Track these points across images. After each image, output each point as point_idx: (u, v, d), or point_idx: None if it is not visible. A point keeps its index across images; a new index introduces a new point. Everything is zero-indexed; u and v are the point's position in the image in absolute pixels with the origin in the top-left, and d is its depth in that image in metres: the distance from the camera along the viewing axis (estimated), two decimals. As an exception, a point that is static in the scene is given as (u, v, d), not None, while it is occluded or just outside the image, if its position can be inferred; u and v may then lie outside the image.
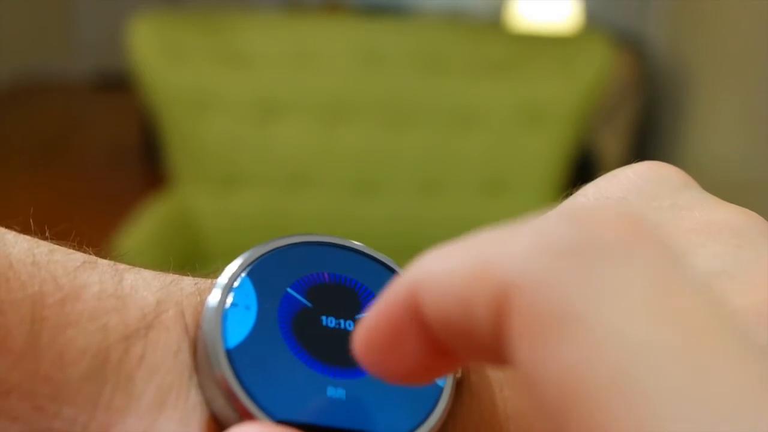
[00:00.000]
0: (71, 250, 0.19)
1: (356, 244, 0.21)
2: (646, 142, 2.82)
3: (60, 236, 0.19)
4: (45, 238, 0.19)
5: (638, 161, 0.22)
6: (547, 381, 0.11)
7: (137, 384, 0.17)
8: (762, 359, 0.10)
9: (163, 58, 1.45)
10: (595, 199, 0.20)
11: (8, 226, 0.18)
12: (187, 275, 0.20)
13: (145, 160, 2.86)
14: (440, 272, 0.13)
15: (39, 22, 4.11)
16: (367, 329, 0.14)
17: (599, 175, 0.22)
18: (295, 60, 1.50)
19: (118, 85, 3.59)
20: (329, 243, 0.20)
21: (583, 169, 2.27)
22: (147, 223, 1.38)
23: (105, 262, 0.19)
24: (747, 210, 0.18)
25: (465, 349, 0.13)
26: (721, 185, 2.45)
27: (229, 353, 0.17)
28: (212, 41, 1.49)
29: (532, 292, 0.11)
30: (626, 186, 0.20)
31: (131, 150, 3.04)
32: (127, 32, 1.47)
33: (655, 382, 0.10)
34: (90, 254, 0.19)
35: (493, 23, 2.79)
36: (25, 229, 0.19)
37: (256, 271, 0.19)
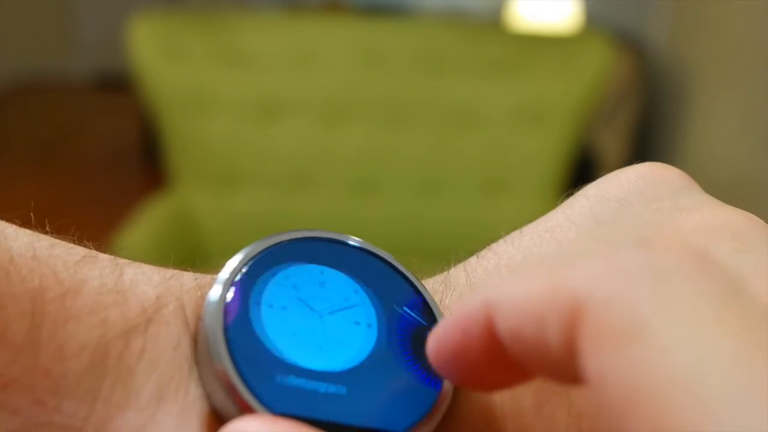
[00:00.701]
0: (72, 245, 0.19)
1: (352, 238, 0.21)
2: (646, 142, 2.82)
3: (60, 231, 0.19)
4: (45, 233, 0.19)
5: (638, 161, 0.22)
6: (617, 385, 0.11)
7: (137, 378, 0.17)
8: None
9: (163, 58, 1.45)
10: (596, 201, 0.20)
11: (9, 220, 0.18)
12: (187, 270, 0.20)
13: (145, 160, 2.86)
14: (515, 292, 0.13)
15: (39, 22, 4.11)
16: (441, 337, 0.15)
17: (599, 175, 0.22)
18: (295, 60, 1.50)
19: (118, 85, 3.59)
20: (327, 239, 0.20)
21: (583, 169, 2.27)
22: (147, 223, 1.38)
23: (105, 256, 0.19)
24: (747, 213, 0.19)
25: (534, 363, 0.13)
26: (721, 185, 2.46)
27: (230, 347, 0.17)
28: (212, 41, 1.49)
29: (605, 306, 0.12)
30: (627, 187, 0.20)
31: (131, 150, 3.04)
32: (127, 32, 1.47)
33: (720, 386, 0.11)
34: (90, 249, 0.19)
35: (493, 23, 2.79)
36: (25, 224, 0.19)
37: (257, 267, 0.19)
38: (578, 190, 0.21)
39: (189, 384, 0.17)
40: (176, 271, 0.19)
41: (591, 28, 2.61)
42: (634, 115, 2.68)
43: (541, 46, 1.59)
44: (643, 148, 2.81)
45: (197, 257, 1.49)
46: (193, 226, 1.49)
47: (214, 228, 1.51)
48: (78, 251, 0.18)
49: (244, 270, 0.19)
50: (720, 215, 0.18)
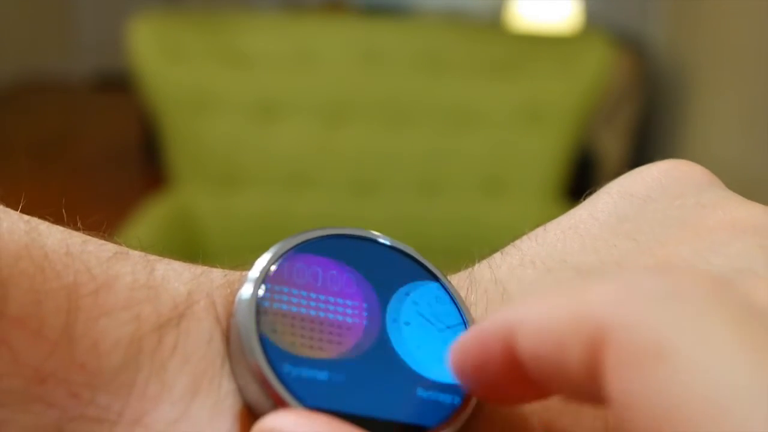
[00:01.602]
0: (103, 241, 0.19)
1: (373, 233, 0.21)
2: (646, 142, 2.82)
3: (90, 228, 0.19)
4: (77, 229, 0.19)
5: (638, 161, 0.22)
6: (646, 405, 0.12)
7: (170, 372, 0.17)
8: None
9: (163, 58, 1.45)
10: (620, 197, 0.20)
11: (42, 217, 0.19)
12: (216, 267, 0.20)
13: (145, 160, 2.86)
14: (537, 315, 0.14)
15: (39, 23, 4.11)
16: (461, 350, 0.15)
17: (599, 175, 0.22)
18: (295, 60, 1.50)
19: (118, 85, 3.59)
20: (353, 236, 0.21)
21: (583, 169, 2.27)
22: (147, 223, 1.38)
23: (136, 253, 0.19)
24: None
25: (554, 384, 0.14)
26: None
27: (263, 342, 0.17)
28: (212, 41, 1.49)
29: (628, 330, 0.12)
30: (650, 184, 0.20)
31: (131, 150, 3.04)
32: (127, 32, 1.47)
33: (742, 404, 0.11)
34: (121, 245, 0.19)
35: (493, 23, 2.79)
36: (57, 220, 0.19)
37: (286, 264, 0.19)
38: (598, 187, 0.21)
39: (222, 378, 0.17)
40: (206, 268, 0.20)
41: (591, 28, 2.61)
42: (634, 115, 2.68)
43: (541, 46, 1.59)
44: (643, 147, 2.81)
45: (197, 257, 1.49)
46: (193, 225, 1.49)
47: (214, 228, 1.51)
48: (110, 248, 0.19)
49: (273, 268, 0.19)
50: (743, 211, 0.19)
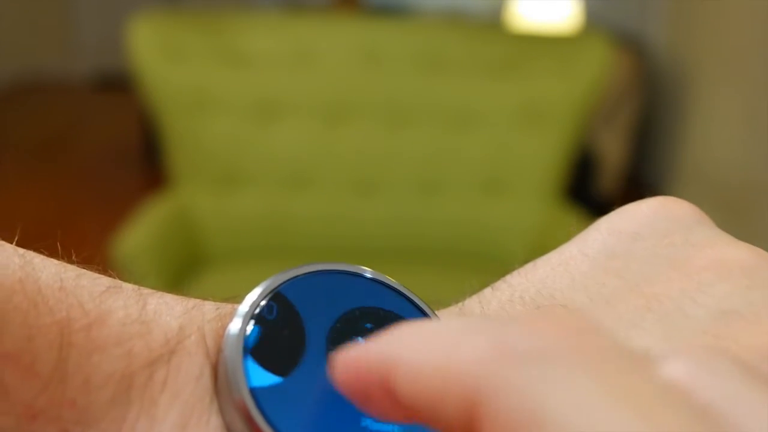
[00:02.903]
0: (97, 275, 0.19)
1: (367, 270, 0.21)
2: (645, 142, 2.82)
3: (85, 261, 0.19)
4: (72, 261, 0.19)
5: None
6: None
7: (160, 408, 0.17)
8: (705, 422, 0.12)
9: (163, 58, 1.45)
10: (609, 234, 0.20)
11: (37, 250, 0.19)
12: (208, 300, 0.20)
13: (145, 160, 2.86)
14: (414, 361, 0.14)
15: (39, 23, 4.11)
16: (342, 376, 0.15)
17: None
18: (295, 60, 1.50)
19: (118, 85, 3.59)
20: (343, 271, 0.21)
21: (583, 169, 2.27)
22: (147, 223, 1.38)
23: (129, 286, 0.19)
24: (758, 249, 0.19)
25: (433, 425, 0.14)
26: (721, 185, 2.46)
27: (249, 378, 0.18)
28: (212, 41, 1.49)
29: (499, 398, 0.12)
30: (639, 221, 0.21)
31: (131, 150, 3.05)
32: (127, 32, 1.47)
33: None
34: (114, 278, 0.19)
35: (493, 23, 2.79)
36: (52, 253, 0.19)
37: (277, 299, 0.20)
38: (590, 225, 0.21)
39: (210, 415, 0.18)
40: (198, 301, 0.20)
41: (591, 28, 2.61)
42: (634, 115, 2.68)
43: (541, 46, 1.59)
44: (643, 147, 2.81)
45: (197, 257, 1.49)
46: (193, 226, 1.49)
47: (214, 228, 1.51)
48: (103, 281, 0.19)
49: (263, 303, 0.19)
50: (731, 251, 0.19)
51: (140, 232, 1.34)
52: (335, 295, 0.20)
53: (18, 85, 4.01)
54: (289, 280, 0.20)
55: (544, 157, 1.54)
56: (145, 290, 0.19)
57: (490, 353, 0.13)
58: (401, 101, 1.51)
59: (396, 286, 0.21)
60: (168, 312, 0.19)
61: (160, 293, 0.19)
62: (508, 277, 0.21)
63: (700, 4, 2.68)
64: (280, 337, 0.19)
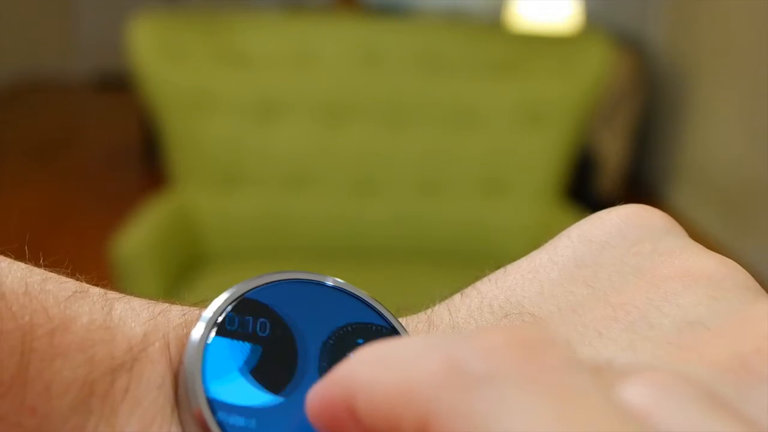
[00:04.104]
0: (64, 279, 0.19)
1: (331, 279, 0.21)
2: (645, 142, 2.82)
3: (54, 264, 0.19)
4: (39, 265, 0.19)
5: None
6: None
7: (120, 417, 0.17)
8: None
9: (163, 58, 1.45)
10: (579, 242, 0.21)
11: (3, 252, 0.19)
12: (176, 304, 0.20)
13: (145, 160, 2.86)
14: (373, 384, 0.14)
15: (39, 22, 4.11)
16: (311, 408, 0.15)
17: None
18: (295, 60, 1.50)
19: (118, 85, 3.59)
20: (307, 281, 0.20)
21: (583, 169, 2.27)
22: (147, 223, 1.38)
23: (96, 291, 0.19)
24: (726, 259, 0.19)
25: None
26: (721, 185, 2.46)
27: (208, 388, 0.18)
28: (212, 41, 1.49)
29: (450, 423, 0.13)
30: (609, 230, 0.21)
31: (131, 150, 3.05)
32: (127, 32, 1.47)
33: None
34: (82, 283, 0.19)
35: (493, 23, 2.79)
36: (19, 256, 0.19)
37: (240, 307, 0.19)
38: (564, 230, 0.21)
39: (171, 424, 0.17)
40: (165, 306, 0.19)
41: (591, 28, 2.61)
42: (634, 115, 2.68)
43: (541, 46, 1.59)
44: (643, 147, 2.81)
45: (197, 257, 1.49)
46: (193, 226, 1.49)
47: (214, 228, 1.51)
48: (70, 286, 0.18)
49: (228, 309, 0.19)
50: (699, 261, 0.19)
51: (140, 232, 1.34)
52: (303, 305, 0.20)
53: (18, 85, 4.01)
54: (256, 287, 0.20)
55: (544, 157, 1.54)
56: (112, 294, 0.19)
57: (442, 377, 0.13)
58: (401, 101, 1.51)
59: (358, 294, 0.21)
60: (133, 318, 0.19)
61: (127, 298, 0.19)
62: (478, 284, 0.21)
63: (700, 4, 2.68)
64: (240, 348, 0.18)
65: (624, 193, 2.61)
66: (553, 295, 0.20)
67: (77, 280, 0.19)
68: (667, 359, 0.17)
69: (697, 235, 2.47)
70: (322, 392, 0.15)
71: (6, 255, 0.19)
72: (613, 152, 2.57)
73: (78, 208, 2.56)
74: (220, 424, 0.17)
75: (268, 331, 0.19)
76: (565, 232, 0.21)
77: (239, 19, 1.62)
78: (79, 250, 2.07)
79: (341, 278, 0.21)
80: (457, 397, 0.13)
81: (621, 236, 0.20)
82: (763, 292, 0.18)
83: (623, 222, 0.21)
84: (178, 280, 1.39)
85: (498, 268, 0.21)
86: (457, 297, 0.21)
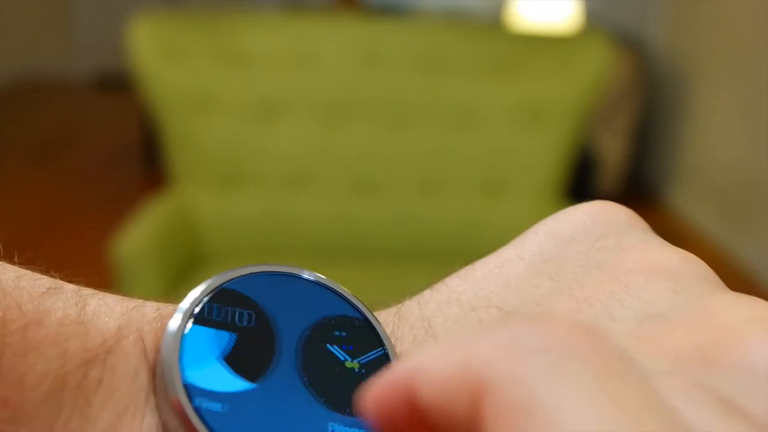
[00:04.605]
0: (38, 275, 0.19)
1: (307, 272, 0.21)
2: (645, 142, 2.82)
3: (27, 262, 0.19)
4: (13, 262, 0.19)
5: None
6: None
7: (94, 407, 0.17)
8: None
9: (163, 58, 1.45)
10: (545, 238, 0.21)
11: None
12: (149, 300, 0.20)
13: (145, 160, 2.86)
14: (431, 368, 0.15)
15: (39, 22, 4.11)
16: (371, 400, 0.16)
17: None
18: (295, 60, 1.50)
19: (118, 85, 3.59)
20: (283, 273, 0.21)
21: (583, 169, 2.27)
22: (147, 223, 1.38)
23: (70, 287, 0.19)
24: (688, 254, 0.19)
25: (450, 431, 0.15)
26: (721, 185, 2.46)
27: (185, 376, 0.18)
28: (212, 41, 1.49)
29: (502, 387, 0.13)
30: (575, 225, 0.21)
31: (131, 150, 3.05)
32: (127, 32, 1.47)
33: None
34: (56, 279, 0.19)
35: (493, 23, 2.79)
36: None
37: (218, 298, 0.19)
38: (530, 228, 0.22)
39: (145, 413, 0.18)
40: (139, 302, 0.20)
41: (591, 28, 2.61)
42: (634, 115, 2.68)
43: (541, 46, 1.59)
44: (643, 147, 2.81)
45: (197, 257, 1.49)
46: (193, 226, 1.49)
47: (214, 228, 1.51)
48: (44, 282, 0.19)
49: (205, 300, 0.19)
50: (661, 256, 0.19)
51: (140, 232, 1.34)
52: (279, 296, 0.20)
53: (18, 85, 4.01)
54: (231, 279, 0.20)
55: (544, 157, 1.54)
56: (86, 291, 0.19)
57: (501, 349, 0.14)
58: (401, 101, 1.52)
59: (334, 287, 0.21)
60: (107, 313, 0.19)
61: (101, 294, 0.20)
62: (447, 279, 0.22)
63: (700, 4, 2.68)
64: (217, 339, 0.19)
65: (624, 193, 2.61)
66: (519, 289, 0.20)
67: (51, 275, 0.19)
68: (629, 351, 0.17)
69: (697, 235, 2.47)
70: (383, 384, 0.15)
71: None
72: (613, 152, 2.58)
73: (78, 208, 2.56)
74: (196, 409, 0.17)
75: (245, 321, 0.19)
76: (532, 229, 0.22)
77: (239, 19, 1.62)
78: (79, 250, 2.07)
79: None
80: (512, 363, 0.13)
81: (586, 231, 0.21)
82: (723, 284, 0.19)
83: (588, 218, 0.21)
84: (178, 280, 1.39)
85: (467, 264, 0.22)
86: (426, 292, 0.22)
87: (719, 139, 2.47)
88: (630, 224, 0.21)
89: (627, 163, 2.66)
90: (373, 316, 0.21)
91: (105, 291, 0.20)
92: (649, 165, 2.85)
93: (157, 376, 0.18)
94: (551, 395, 0.13)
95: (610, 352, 0.14)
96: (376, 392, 0.15)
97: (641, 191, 2.80)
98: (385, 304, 0.22)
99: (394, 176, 1.55)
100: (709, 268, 0.19)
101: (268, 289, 0.20)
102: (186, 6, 3.87)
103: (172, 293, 1.36)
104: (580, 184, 2.17)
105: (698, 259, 0.19)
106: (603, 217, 0.21)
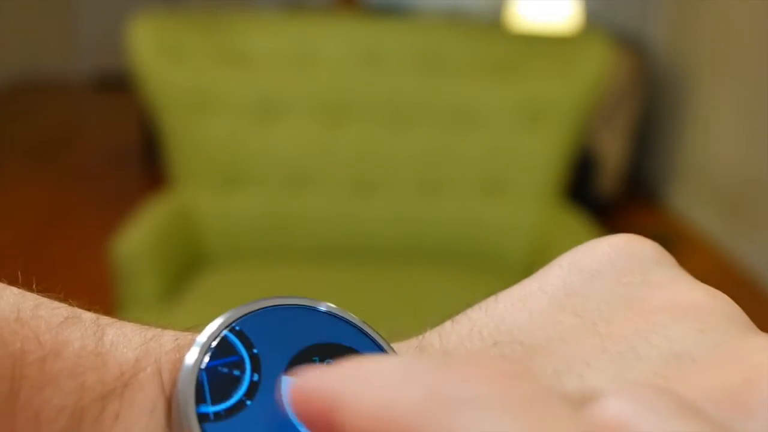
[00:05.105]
0: (57, 304, 0.19)
1: (324, 304, 0.21)
2: (645, 142, 2.82)
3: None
4: (31, 290, 0.19)
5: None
6: None
7: None
8: None
9: (163, 58, 1.45)
10: (569, 271, 0.21)
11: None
12: (168, 330, 0.20)
13: (145, 160, 2.86)
14: (357, 403, 0.14)
15: (39, 22, 4.11)
16: (293, 400, 0.16)
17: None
18: (295, 60, 1.50)
19: (118, 85, 3.59)
20: (301, 306, 0.21)
21: (583, 169, 2.27)
22: (147, 223, 1.38)
23: (89, 316, 0.19)
24: (716, 291, 0.19)
25: None
26: (721, 185, 2.46)
27: (201, 413, 0.18)
28: (212, 41, 1.49)
29: None
30: (600, 259, 0.21)
31: (131, 150, 3.04)
32: (127, 32, 1.47)
33: None
34: (75, 308, 0.19)
35: (493, 23, 2.79)
36: (12, 281, 0.19)
37: (235, 332, 0.19)
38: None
39: None
40: (158, 331, 0.20)
41: (591, 28, 2.61)
42: (634, 115, 2.68)
43: (540, 46, 1.59)
44: (643, 147, 2.81)
45: (197, 257, 1.49)
46: (193, 226, 1.49)
47: (214, 228, 1.51)
48: (62, 312, 0.19)
49: (222, 334, 0.19)
50: (688, 293, 0.19)
51: (140, 232, 1.34)
52: (295, 330, 0.20)
53: (18, 85, 4.01)
54: (249, 313, 0.20)
55: (544, 157, 1.54)
56: (104, 320, 0.19)
57: (426, 401, 0.14)
58: (401, 101, 1.52)
59: (354, 321, 0.21)
60: (125, 343, 0.19)
61: (119, 323, 0.19)
62: (468, 311, 0.22)
63: (700, 4, 2.68)
64: (235, 374, 0.19)
65: (624, 193, 2.61)
66: (542, 325, 0.20)
67: (70, 303, 0.19)
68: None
69: (697, 235, 2.47)
70: (306, 392, 0.15)
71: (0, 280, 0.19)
72: (613, 152, 2.57)
73: (78, 208, 2.56)
74: None
75: (257, 360, 0.19)
76: (556, 261, 0.21)
77: (239, 19, 1.62)
78: (79, 250, 2.07)
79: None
80: (439, 420, 0.13)
81: (611, 265, 0.20)
82: (752, 324, 0.18)
83: (614, 251, 0.21)
84: (178, 280, 1.39)
85: (490, 295, 0.22)
86: (447, 324, 0.21)
87: (719, 139, 2.46)
88: (656, 259, 0.20)
89: (627, 163, 2.66)
90: (392, 349, 0.21)
91: (123, 320, 0.20)
92: (649, 165, 2.85)
93: (173, 411, 0.18)
94: None
95: (535, 392, 0.14)
96: (299, 394, 0.15)
97: (641, 191, 2.80)
98: (405, 335, 0.22)
99: (394, 176, 1.55)
100: (736, 306, 0.19)
101: (280, 325, 0.20)
102: (186, 6, 3.87)
103: (172, 293, 1.36)
104: (580, 184, 2.17)
105: (726, 296, 0.19)
106: (629, 251, 0.21)
